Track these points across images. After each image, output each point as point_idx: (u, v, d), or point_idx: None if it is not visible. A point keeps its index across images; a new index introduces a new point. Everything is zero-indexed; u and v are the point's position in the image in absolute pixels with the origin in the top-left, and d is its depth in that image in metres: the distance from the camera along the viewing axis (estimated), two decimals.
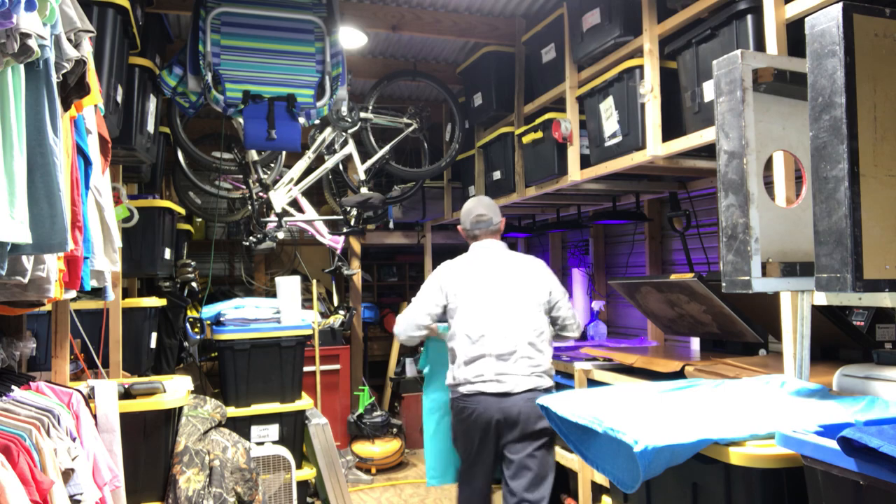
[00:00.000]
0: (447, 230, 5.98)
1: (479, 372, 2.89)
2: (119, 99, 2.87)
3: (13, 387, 1.89)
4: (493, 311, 2.94)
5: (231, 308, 4.14)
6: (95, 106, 2.18)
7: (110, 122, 2.71)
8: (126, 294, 3.64)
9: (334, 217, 5.05)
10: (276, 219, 4.49)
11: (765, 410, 1.73)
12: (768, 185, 1.88)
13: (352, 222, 4.82)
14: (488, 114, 4.38)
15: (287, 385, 3.98)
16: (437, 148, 5.37)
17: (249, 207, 4.59)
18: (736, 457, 1.50)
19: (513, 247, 6.08)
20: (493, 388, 2.85)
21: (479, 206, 3.17)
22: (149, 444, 2.68)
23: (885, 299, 1.71)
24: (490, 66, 4.30)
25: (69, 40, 1.62)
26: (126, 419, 2.48)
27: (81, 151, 1.94)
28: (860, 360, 2.06)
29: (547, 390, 2.89)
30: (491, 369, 2.87)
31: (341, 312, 5.34)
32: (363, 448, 5.06)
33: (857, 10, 1.51)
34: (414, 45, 4.76)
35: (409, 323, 3.07)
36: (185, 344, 4.54)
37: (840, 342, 2.45)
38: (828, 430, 1.36)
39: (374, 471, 5.05)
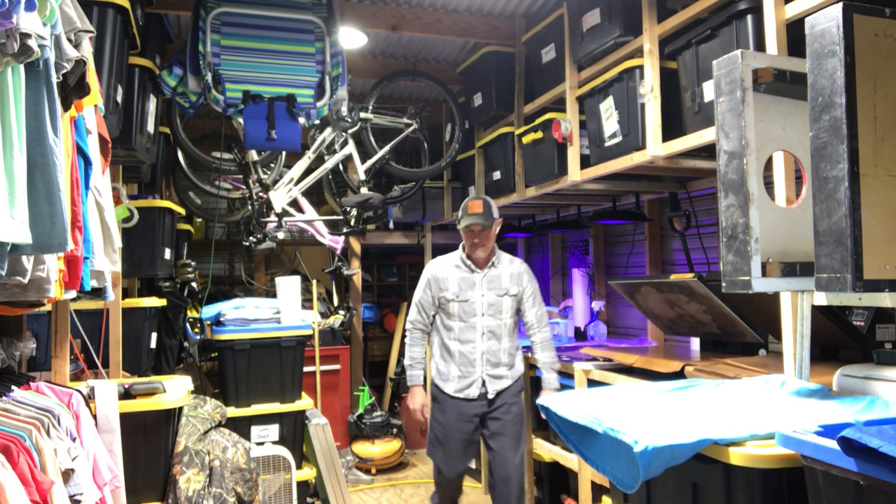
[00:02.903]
0: (447, 230, 5.97)
1: None
2: (119, 99, 2.87)
3: (13, 387, 1.89)
4: None
5: (231, 308, 4.14)
6: (95, 106, 2.18)
7: (110, 122, 2.71)
8: (126, 294, 3.64)
9: (334, 217, 5.05)
10: (276, 219, 4.49)
11: (765, 410, 1.73)
12: (768, 185, 1.88)
13: (352, 222, 4.81)
14: (488, 114, 4.38)
15: (287, 385, 3.98)
16: (437, 148, 5.37)
17: (249, 207, 4.59)
18: (736, 457, 1.50)
19: (514, 246, 6.10)
20: None
21: None
22: (149, 444, 2.68)
23: (885, 299, 1.71)
24: (490, 66, 4.30)
25: (69, 40, 1.62)
26: (126, 419, 2.47)
27: (81, 151, 1.94)
28: (860, 360, 2.06)
29: None
30: None
31: (341, 312, 5.34)
32: (363, 448, 5.06)
33: (857, 10, 1.51)
34: (414, 45, 4.75)
35: None
36: (185, 344, 4.54)
37: (840, 342, 2.44)
38: (828, 430, 1.36)
39: (374, 471, 5.05)
